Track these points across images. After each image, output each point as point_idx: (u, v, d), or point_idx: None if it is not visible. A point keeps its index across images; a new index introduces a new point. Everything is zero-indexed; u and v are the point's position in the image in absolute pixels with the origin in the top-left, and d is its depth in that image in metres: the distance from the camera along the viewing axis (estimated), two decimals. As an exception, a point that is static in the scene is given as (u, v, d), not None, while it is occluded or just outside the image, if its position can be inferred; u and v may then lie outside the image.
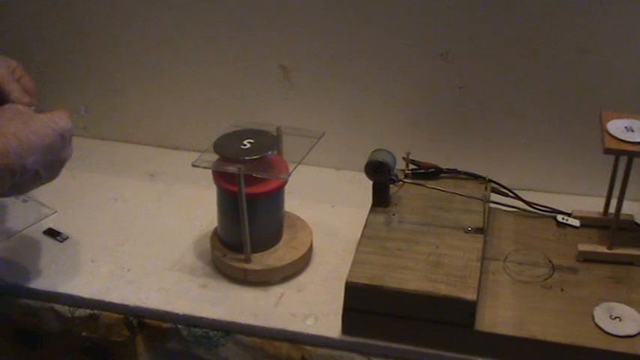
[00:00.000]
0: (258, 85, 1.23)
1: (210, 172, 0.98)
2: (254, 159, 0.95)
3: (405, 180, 1.03)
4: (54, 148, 0.84)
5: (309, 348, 0.93)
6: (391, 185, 1.01)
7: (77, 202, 1.15)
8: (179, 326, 0.96)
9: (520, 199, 1.05)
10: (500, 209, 1.06)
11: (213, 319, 0.95)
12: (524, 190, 1.09)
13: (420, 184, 1.02)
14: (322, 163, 1.24)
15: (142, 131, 1.32)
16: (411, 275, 0.89)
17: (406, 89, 1.17)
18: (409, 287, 0.87)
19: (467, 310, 0.86)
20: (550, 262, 0.97)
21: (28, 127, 0.82)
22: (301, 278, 1.01)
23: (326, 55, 1.17)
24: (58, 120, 0.85)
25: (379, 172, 0.99)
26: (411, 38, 1.13)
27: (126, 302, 0.98)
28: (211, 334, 0.95)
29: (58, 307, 1.00)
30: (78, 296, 0.99)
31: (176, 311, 0.96)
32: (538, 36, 1.08)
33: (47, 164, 0.83)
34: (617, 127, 0.93)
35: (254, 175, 0.95)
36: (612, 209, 0.96)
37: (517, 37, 1.09)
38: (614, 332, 0.86)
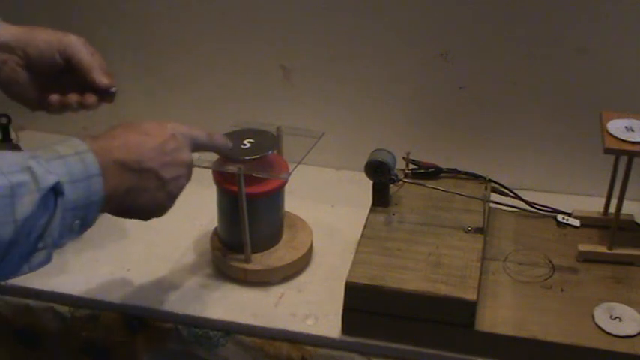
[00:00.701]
0: (258, 85, 1.23)
1: (210, 172, 0.98)
2: (254, 159, 0.95)
3: (405, 180, 1.03)
4: (167, 148, 0.81)
5: (309, 348, 0.93)
6: (391, 185, 1.01)
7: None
8: (179, 326, 0.96)
9: (520, 199, 1.05)
10: (500, 209, 1.06)
11: (213, 319, 0.95)
12: (524, 190, 1.09)
13: (420, 184, 1.02)
14: (322, 163, 1.24)
15: (142, 131, 1.32)
16: (411, 275, 0.89)
17: (406, 89, 1.17)
18: (409, 287, 0.87)
19: (467, 310, 0.86)
20: (550, 262, 0.97)
21: (134, 129, 0.80)
22: (301, 278, 1.01)
23: (326, 55, 1.17)
24: (165, 123, 0.84)
25: (379, 172, 0.99)
26: (411, 38, 1.13)
27: (126, 302, 0.98)
28: (211, 334, 0.95)
29: (58, 307, 1.00)
30: (78, 296, 0.99)
31: (176, 311, 0.96)
32: (538, 36, 1.08)
33: (164, 165, 0.80)
34: (617, 127, 0.93)
35: (254, 175, 0.95)
36: (612, 209, 0.96)
37: (517, 37, 1.09)
38: (614, 332, 0.86)
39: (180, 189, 0.84)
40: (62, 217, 0.69)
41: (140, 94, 1.29)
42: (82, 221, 0.72)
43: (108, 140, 0.77)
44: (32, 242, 0.68)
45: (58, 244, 0.71)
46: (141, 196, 0.80)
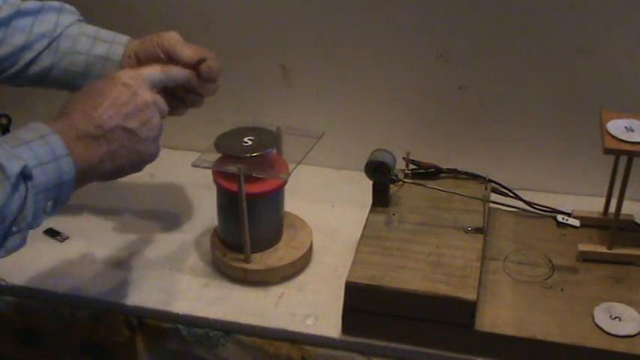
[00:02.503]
0: (258, 85, 1.22)
1: (210, 172, 0.98)
2: (256, 156, 0.95)
3: (405, 180, 1.03)
4: (122, 98, 0.81)
5: (309, 348, 0.93)
6: (391, 185, 1.01)
7: (77, 202, 1.15)
8: (179, 326, 0.96)
9: (520, 199, 1.05)
10: (500, 209, 1.06)
11: (213, 319, 0.95)
12: (524, 190, 1.09)
13: (420, 184, 1.02)
14: (322, 163, 1.24)
15: (142, 131, 1.32)
16: (411, 275, 0.89)
17: (406, 89, 1.17)
18: (409, 287, 0.87)
19: (467, 310, 0.86)
20: (550, 262, 0.97)
21: (87, 93, 0.81)
22: (301, 278, 1.01)
23: (326, 55, 1.17)
24: (114, 74, 0.84)
25: (379, 172, 0.99)
26: (411, 38, 1.13)
27: (126, 302, 0.98)
28: (211, 334, 0.95)
29: (58, 307, 1.00)
30: (78, 296, 0.99)
31: (176, 311, 0.96)
32: (538, 36, 1.08)
33: (127, 116, 0.80)
34: (617, 127, 0.93)
35: (254, 175, 0.95)
36: (612, 209, 0.96)
37: (517, 37, 1.09)
38: (614, 332, 0.85)
39: (155, 129, 0.83)
40: (34, 200, 0.70)
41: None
42: (54, 201, 0.74)
43: (66, 117, 0.77)
44: (6, 228, 0.69)
45: (32, 226, 0.72)
46: (118, 155, 0.80)
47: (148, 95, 0.83)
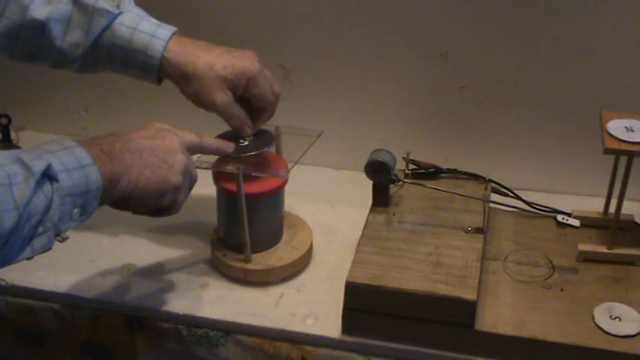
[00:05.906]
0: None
1: (210, 172, 0.98)
2: (252, 155, 0.95)
3: (405, 180, 1.03)
4: (149, 132, 0.84)
5: (309, 348, 0.93)
6: (391, 185, 1.01)
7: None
8: (179, 326, 0.96)
9: (520, 199, 1.05)
10: (500, 209, 1.06)
11: (213, 319, 0.95)
12: (524, 190, 1.09)
13: (420, 184, 1.02)
14: (322, 163, 1.24)
15: (142, 131, 1.32)
16: (411, 275, 0.89)
17: (406, 89, 1.17)
18: (409, 287, 0.87)
19: (467, 310, 0.86)
20: (550, 262, 0.97)
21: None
22: (301, 278, 1.01)
23: (326, 55, 1.17)
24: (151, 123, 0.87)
25: (379, 172, 0.99)
26: (411, 38, 1.13)
27: (126, 302, 0.98)
28: (211, 334, 0.95)
29: (58, 307, 1.00)
30: (78, 296, 0.99)
31: (176, 311, 0.96)
32: (538, 36, 1.08)
33: (153, 143, 0.83)
34: (617, 127, 0.93)
35: (253, 174, 0.95)
36: (612, 209, 0.96)
37: (517, 37, 1.09)
38: (614, 332, 0.85)
39: (182, 163, 0.84)
40: (61, 203, 0.71)
41: (140, 94, 1.29)
42: (81, 209, 0.74)
43: (92, 138, 0.79)
44: (33, 227, 0.70)
45: (59, 230, 0.73)
46: (142, 175, 0.81)
47: (176, 139, 0.85)
